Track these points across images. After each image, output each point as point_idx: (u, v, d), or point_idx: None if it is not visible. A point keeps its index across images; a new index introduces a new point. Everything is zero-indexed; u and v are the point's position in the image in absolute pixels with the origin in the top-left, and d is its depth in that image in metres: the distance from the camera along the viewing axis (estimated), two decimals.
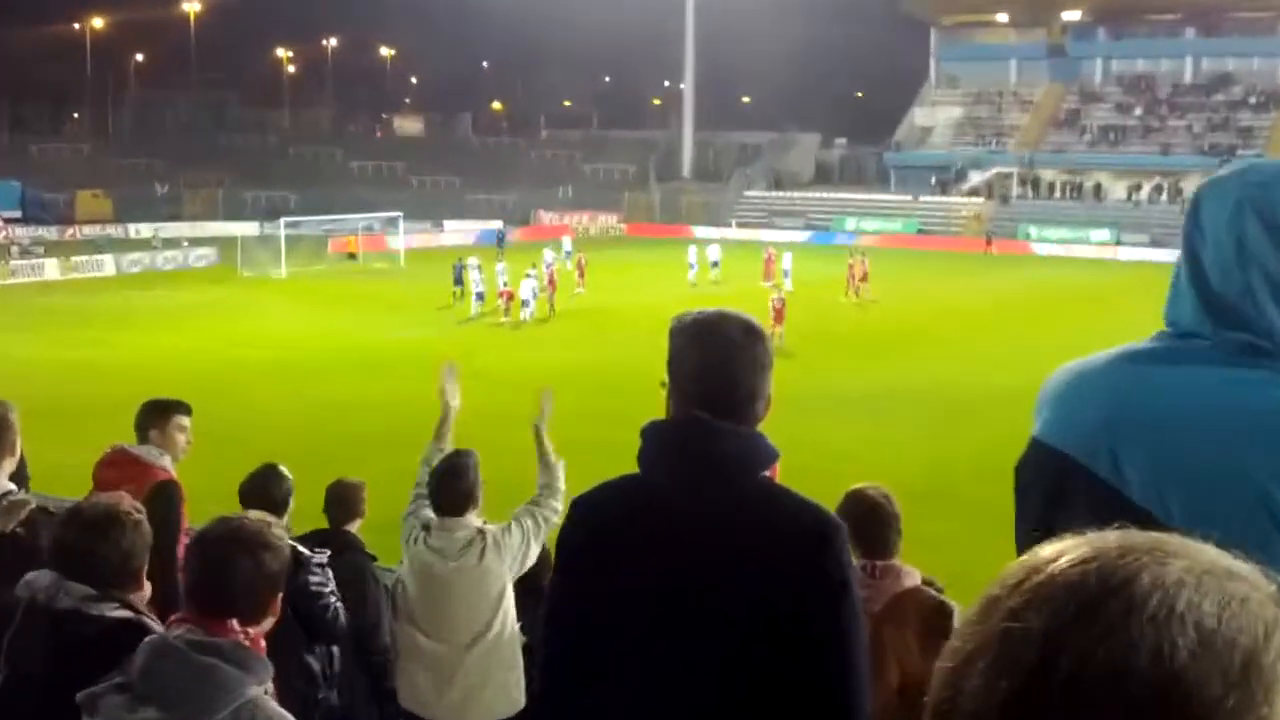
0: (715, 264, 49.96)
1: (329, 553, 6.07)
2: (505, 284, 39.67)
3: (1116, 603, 0.87)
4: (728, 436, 2.68)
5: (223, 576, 3.12)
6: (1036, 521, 1.97)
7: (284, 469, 6.54)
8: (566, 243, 57.07)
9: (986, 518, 17.78)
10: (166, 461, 6.12)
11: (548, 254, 45.83)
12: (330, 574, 5.93)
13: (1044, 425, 2.06)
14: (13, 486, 5.00)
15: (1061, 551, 0.93)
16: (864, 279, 45.15)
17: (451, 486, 5.84)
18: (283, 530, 3.32)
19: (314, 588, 5.79)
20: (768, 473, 2.78)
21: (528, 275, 39.53)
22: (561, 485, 6.15)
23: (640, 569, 2.65)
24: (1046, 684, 0.86)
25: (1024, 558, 0.94)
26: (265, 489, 6.31)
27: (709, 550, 2.62)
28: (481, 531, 5.83)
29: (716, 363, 2.72)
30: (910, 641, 4.47)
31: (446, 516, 5.86)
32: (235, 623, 3.12)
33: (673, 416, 2.78)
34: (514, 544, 5.83)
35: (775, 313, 32.88)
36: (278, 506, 6.05)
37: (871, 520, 4.81)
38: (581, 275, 46.52)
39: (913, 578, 4.81)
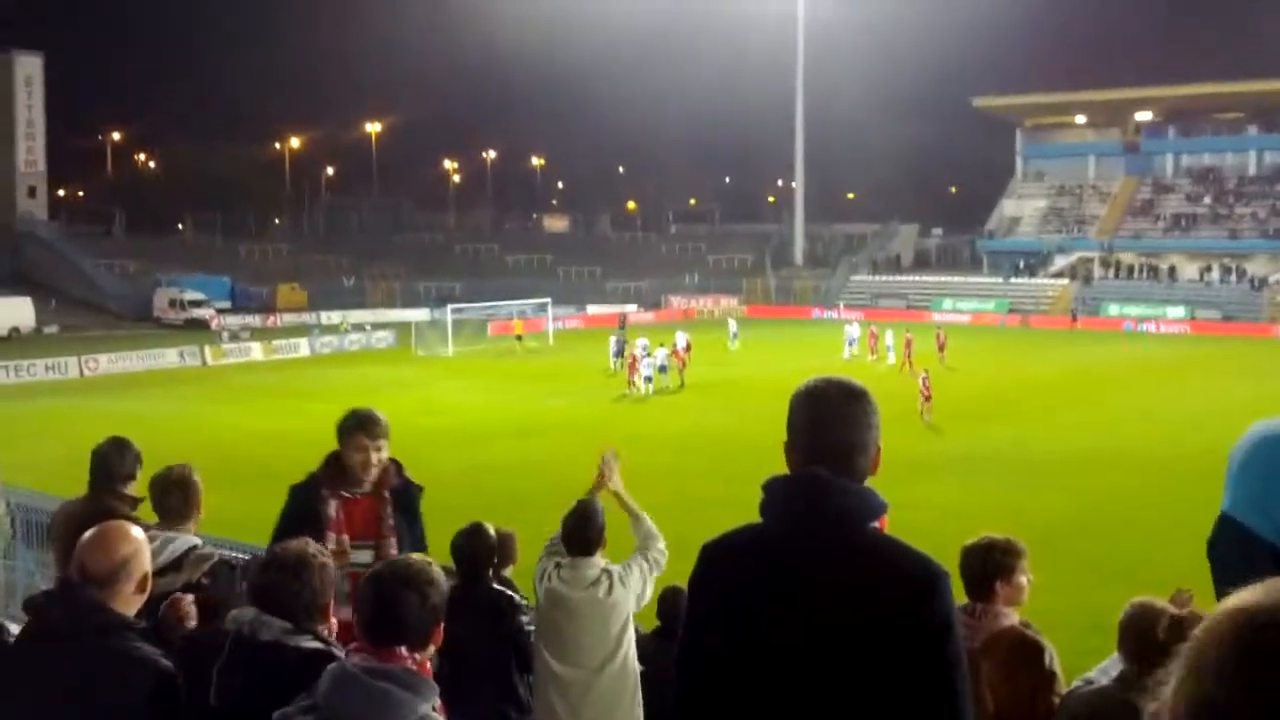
0: (852, 342, 49.67)
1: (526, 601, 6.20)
2: (630, 357, 39.69)
3: None
4: (838, 489, 2.67)
5: (394, 610, 3.16)
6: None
7: (489, 527, 6.41)
8: (733, 325, 55.99)
9: (1079, 569, 17.24)
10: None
11: (680, 336, 46.12)
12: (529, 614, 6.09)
13: (1234, 501, 1.74)
14: (199, 541, 5.09)
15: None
16: (942, 349, 44.70)
17: (581, 530, 5.87)
18: (441, 570, 3.36)
19: (527, 627, 5.97)
20: (877, 524, 2.74)
21: (652, 351, 39.57)
22: (656, 530, 6.15)
23: (762, 612, 2.63)
24: None
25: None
26: (472, 544, 6.30)
27: (824, 595, 2.58)
28: (607, 570, 5.86)
29: (822, 421, 2.74)
30: (998, 672, 4.45)
31: (576, 557, 5.88)
32: (404, 650, 3.16)
33: (791, 472, 2.78)
34: (634, 581, 5.86)
35: (925, 390, 31.76)
36: (481, 561, 6.16)
37: (977, 566, 4.77)
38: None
39: (1009, 618, 4.74)
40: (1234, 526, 1.67)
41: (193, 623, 4.32)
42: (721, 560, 2.78)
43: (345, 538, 5.31)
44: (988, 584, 4.73)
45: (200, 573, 4.75)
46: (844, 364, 45.84)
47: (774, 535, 2.70)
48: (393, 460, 5.62)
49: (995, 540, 4.86)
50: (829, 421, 2.73)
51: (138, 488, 5.68)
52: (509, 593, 6.15)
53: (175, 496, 5.12)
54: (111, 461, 5.68)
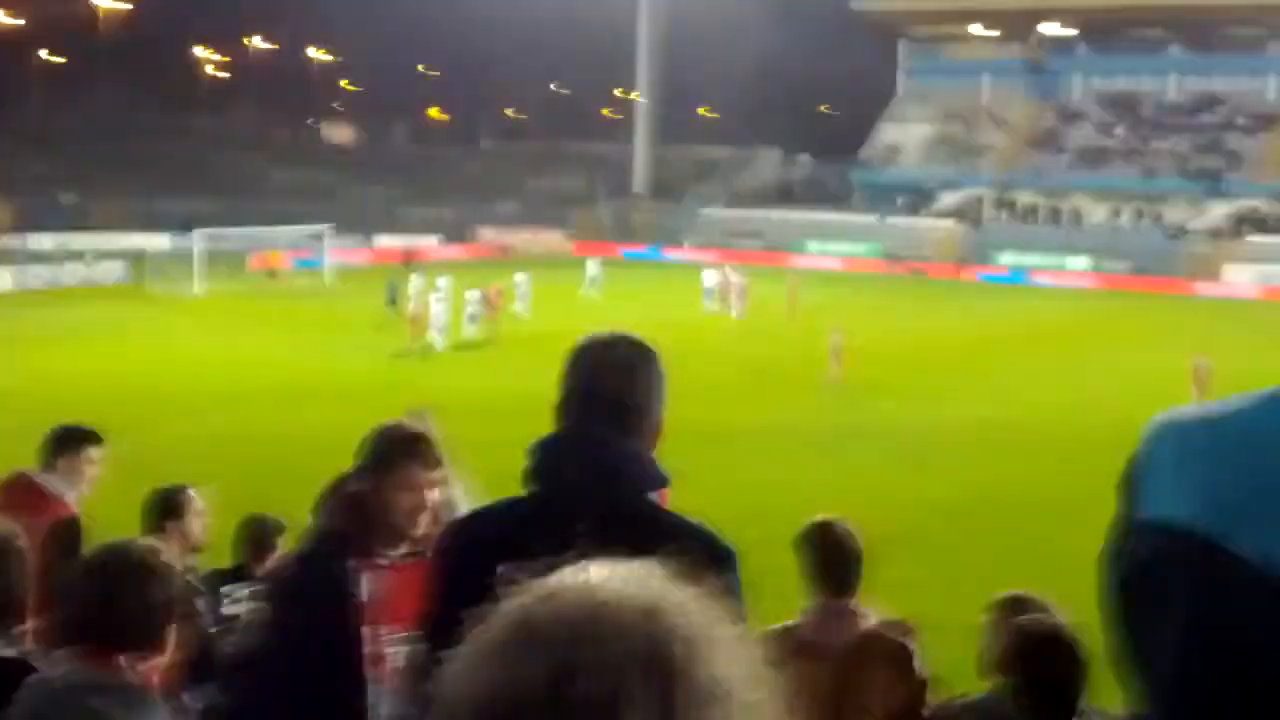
0: (710, 292, 50.36)
1: (247, 589, 6.16)
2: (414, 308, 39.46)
3: None
4: (614, 449, 2.82)
5: (106, 606, 3.11)
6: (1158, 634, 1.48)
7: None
8: (593, 267, 55.38)
9: (955, 563, 17.90)
10: (71, 497, 6.06)
11: (520, 278, 46.58)
12: (239, 609, 6.00)
13: (1158, 500, 1.55)
14: None
15: None
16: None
17: None
18: (173, 557, 3.29)
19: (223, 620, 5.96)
20: (656, 497, 2.89)
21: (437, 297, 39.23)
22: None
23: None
24: None
25: None
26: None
27: None
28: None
29: (599, 377, 2.90)
30: (888, 685, 4.57)
31: None
32: (123, 659, 3.09)
33: (557, 431, 2.93)
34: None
35: (833, 352, 32.90)
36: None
37: (835, 556, 4.86)
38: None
39: (869, 620, 4.90)
40: (1185, 540, 1.46)
41: None
42: (476, 537, 2.89)
43: (386, 629, 4.08)
44: (843, 577, 4.85)
45: None
46: (706, 319, 46.58)
47: (539, 503, 2.82)
48: None
49: (849, 525, 5.01)
50: (607, 379, 2.89)
51: None
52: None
53: None
54: None
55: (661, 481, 2.87)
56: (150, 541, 3.38)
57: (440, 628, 2.89)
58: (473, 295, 40.45)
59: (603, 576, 1.10)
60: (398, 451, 4.11)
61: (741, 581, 2.73)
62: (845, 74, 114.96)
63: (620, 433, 2.82)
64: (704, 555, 2.64)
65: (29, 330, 40.00)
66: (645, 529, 2.68)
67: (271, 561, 6.92)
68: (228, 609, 6.14)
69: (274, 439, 24.90)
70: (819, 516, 5.16)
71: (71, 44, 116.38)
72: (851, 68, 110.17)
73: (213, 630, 5.83)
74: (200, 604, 5.88)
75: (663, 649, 1.03)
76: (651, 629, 1.04)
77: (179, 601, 3.23)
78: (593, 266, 55.36)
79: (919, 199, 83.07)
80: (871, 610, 4.97)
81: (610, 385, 2.87)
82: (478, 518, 2.98)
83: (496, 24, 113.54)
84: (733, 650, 1.08)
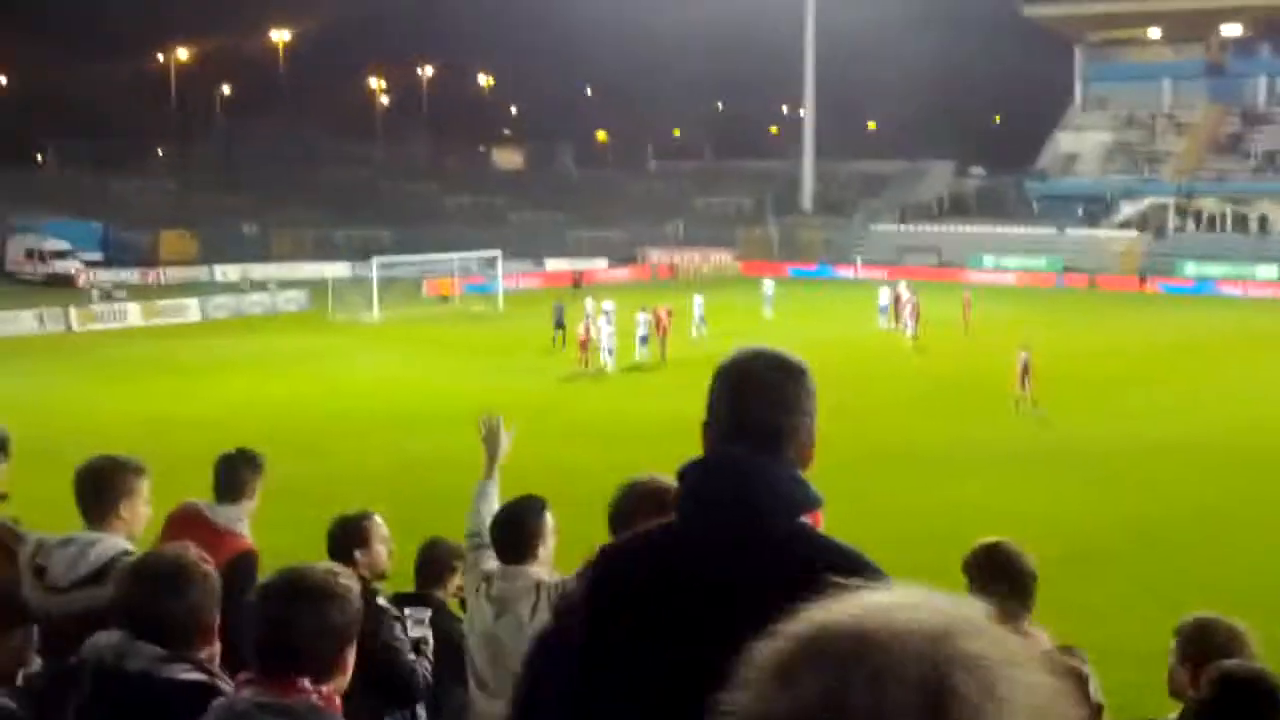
0: (885, 309, 50.04)
1: (427, 611, 6.19)
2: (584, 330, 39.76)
3: None
4: (759, 471, 2.73)
5: (286, 631, 3.16)
6: None
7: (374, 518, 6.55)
8: (768, 287, 55.47)
9: (1138, 586, 17.38)
10: (244, 526, 6.13)
11: (697, 301, 46.61)
12: (423, 632, 6.03)
13: None
14: (128, 546, 5.09)
15: None
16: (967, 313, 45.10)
17: (511, 533, 5.86)
18: (351, 580, 3.35)
19: (394, 643, 5.90)
20: (808, 519, 2.80)
21: (605, 320, 39.54)
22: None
23: (669, 626, 2.65)
24: None
25: None
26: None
27: (740, 597, 2.61)
28: (540, 585, 5.79)
29: (745, 397, 2.82)
30: None
31: (509, 565, 5.89)
32: (306, 681, 3.16)
33: (703, 454, 2.86)
34: None
35: (1023, 370, 31.96)
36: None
37: (1000, 578, 4.79)
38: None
39: (1040, 642, 4.77)
40: None
41: (30, 660, 4.29)
42: (624, 564, 2.84)
43: None
44: (1009, 599, 4.78)
45: None
46: (880, 336, 46.38)
47: (686, 531, 2.75)
48: None
49: (1017, 546, 4.93)
50: (753, 397, 2.81)
51: (3, 481, 5.67)
52: (380, 600, 6.10)
53: (89, 492, 5.14)
54: None
55: (813, 503, 2.78)
56: (329, 564, 3.45)
57: (585, 658, 2.87)
58: (642, 317, 40.66)
59: (894, 600, 1.13)
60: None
61: None
62: (1018, 83, 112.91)
63: (765, 454, 2.75)
64: (852, 581, 2.62)
65: (216, 360, 41.36)
66: (791, 554, 2.64)
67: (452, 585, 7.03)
68: (412, 632, 6.21)
69: (445, 462, 25.28)
70: (986, 539, 5.08)
71: (249, 78, 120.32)
72: (1025, 76, 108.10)
73: (395, 649, 5.92)
74: (396, 629, 6.00)
75: (947, 675, 1.04)
76: (937, 653, 1.05)
77: (354, 626, 3.28)
78: (768, 285, 55.33)
79: (1098, 209, 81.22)
80: (1044, 632, 4.87)
81: (755, 404, 2.81)
82: (622, 547, 2.94)
83: (660, 45, 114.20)
84: (1025, 681, 1.07)
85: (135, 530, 5.22)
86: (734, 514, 2.70)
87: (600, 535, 6.73)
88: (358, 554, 6.19)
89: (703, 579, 2.66)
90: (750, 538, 2.67)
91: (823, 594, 2.48)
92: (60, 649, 3.80)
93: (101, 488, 5.12)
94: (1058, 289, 69.24)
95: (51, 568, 4.90)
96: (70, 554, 4.89)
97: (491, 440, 6.61)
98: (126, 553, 4.93)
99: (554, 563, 5.99)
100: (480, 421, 6.74)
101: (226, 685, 3.45)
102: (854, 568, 2.65)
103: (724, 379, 2.87)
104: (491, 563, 5.99)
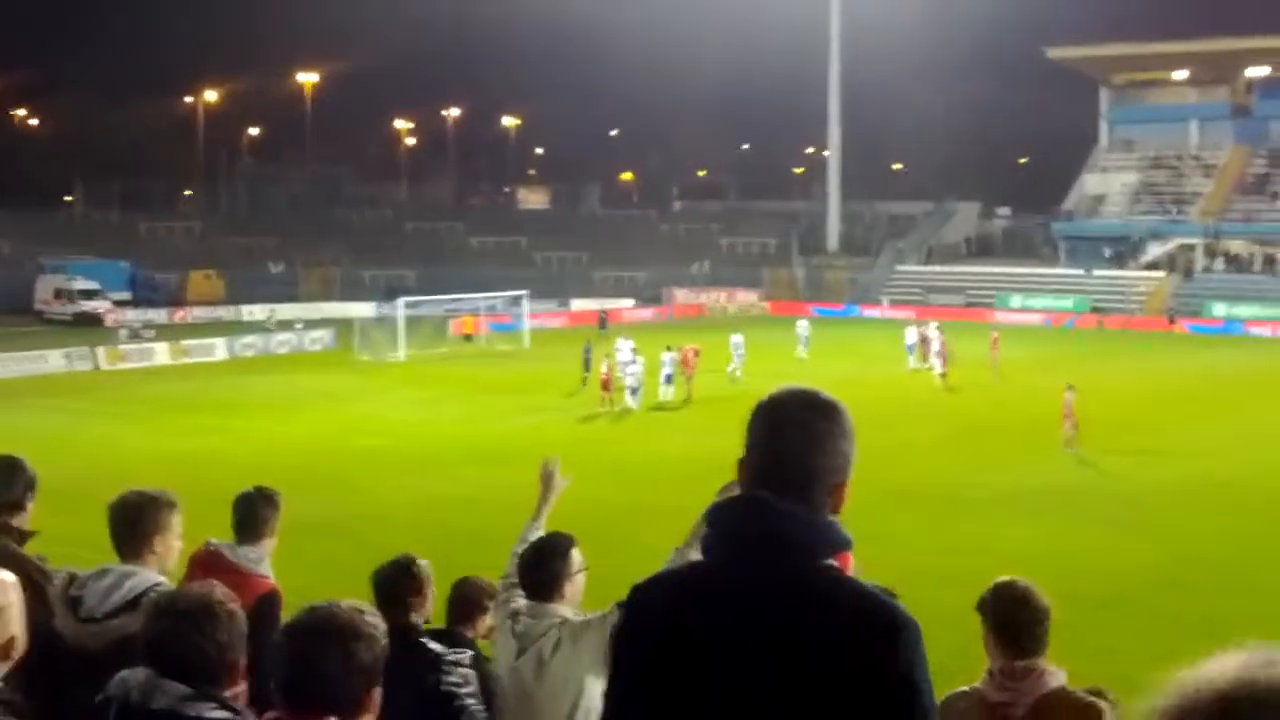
0: (912, 348, 49.88)
1: (470, 654, 6.16)
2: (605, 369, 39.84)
3: None
4: (783, 515, 2.72)
5: (312, 670, 3.15)
6: None
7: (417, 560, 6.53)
8: (803, 327, 55.04)
9: (1166, 627, 17.24)
10: (267, 566, 6.13)
11: (735, 340, 46.50)
12: (471, 675, 5.99)
13: None
14: (161, 579, 5.11)
15: None
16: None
17: (537, 572, 5.85)
18: (377, 618, 3.35)
19: (446, 688, 5.86)
20: (835, 563, 2.78)
21: (633, 360, 39.67)
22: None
23: (695, 667, 2.68)
24: None
25: None
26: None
27: (766, 643, 2.63)
28: (564, 623, 5.77)
29: (775, 438, 2.83)
30: None
31: (535, 602, 5.87)
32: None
33: (731, 496, 2.88)
34: (594, 640, 5.62)
35: (1067, 410, 31.73)
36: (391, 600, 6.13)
37: (1011, 617, 4.85)
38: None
39: (1058, 678, 4.83)
40: None
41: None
42: (653, 604, 2.85)
43: None
44: (1018, 637, 4.83)
45: None
46: (909, 376, 46.50)
47: (715, 571, 2.77)
48: None
49: (1030, 584, 4.97)
50: (785, 436, 2.82)
51: (32, 519, 5.70)
52: (432, 647, 6.07)
53: (123, 526, 5.17)
54: None
55: (841, 544, 2.77)
56: (355, 603, 3.45)
57: (615, 692, 2.93)
58: (667, 356, 40.68)
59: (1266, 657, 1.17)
60: None
61: (925, 655, 2.61)
62: (1044, 124, 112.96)
63: (794, 494, 2.75)
64: (880, 626, 2.62)
65: (243, 398, 41.54)
66: (817, 598, 2.65)
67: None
68: (451, 676, 6.15)
69: (468, 501, 25.34)
70: (1001, 577, 5.11)
71: (276, 120, 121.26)
72: (1050, 118, 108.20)
73: (449, 695, 5.86)
74: (453, 675, 5.95)
75: None
76: None
77: (380, 664, 3.25)
78: (802, 326, 55.28)
79: (1125, 250, 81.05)
80: (1063, 669, 4.90)
81: (787, 444, 2.81)
82: (650, 586, 2.93)
83: (685, 87, 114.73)
84: None
85: (168, 564, 5.25)
86: (761, 555, 2.70)
87: (625, 573, 6.72)
88: (412, 600, 6.17)
89: (730, 619, 2.68)
90: (777, 579, 2.67)
91: (848, 636, 2.48)
92: (94, 683, 3.81)
93: (135, 522, 5.15)
94: (1085, 329, 69.03)
95: (86, 599, 4.94)
96: (105, 585, 4.92)
97: (547, 482, 6.65)
98: (160, 586, 4.95)
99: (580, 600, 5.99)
100: (543, 461, 6.78)
101: None
102: (877, 611, 2.65)
103: (759, 417, 2.88)
104: (520, 600, 5.98)
